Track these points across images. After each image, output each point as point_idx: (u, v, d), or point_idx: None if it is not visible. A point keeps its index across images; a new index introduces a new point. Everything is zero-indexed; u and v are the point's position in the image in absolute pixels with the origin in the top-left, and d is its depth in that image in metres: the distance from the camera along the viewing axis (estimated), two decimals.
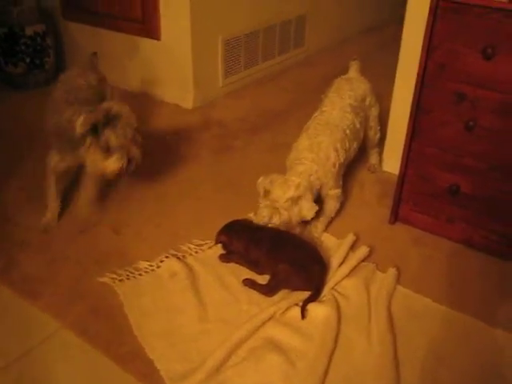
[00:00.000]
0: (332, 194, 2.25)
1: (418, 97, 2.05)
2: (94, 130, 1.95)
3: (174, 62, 3.21)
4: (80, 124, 1.92)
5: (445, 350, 1.73)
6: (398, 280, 1.99)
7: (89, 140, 1.97)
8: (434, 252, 2.16)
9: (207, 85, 3.33)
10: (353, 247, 2.13)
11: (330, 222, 2.29)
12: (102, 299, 1.89)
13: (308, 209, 2.07)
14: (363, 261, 2.07)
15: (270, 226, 2.07)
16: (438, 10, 1.91)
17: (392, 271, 2.01)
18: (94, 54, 2.50)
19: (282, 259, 1.92)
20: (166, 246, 2.12)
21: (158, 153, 2.79)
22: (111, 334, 1.75)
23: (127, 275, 1.99)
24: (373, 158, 2.68)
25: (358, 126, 2.35)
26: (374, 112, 2.54)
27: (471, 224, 2.14)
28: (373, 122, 2.56)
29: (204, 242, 2.15)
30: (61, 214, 2.30)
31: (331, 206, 2.27)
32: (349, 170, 2.63)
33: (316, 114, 2.36)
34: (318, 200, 2.20)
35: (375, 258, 2.09)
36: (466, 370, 1.67)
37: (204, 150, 2.84)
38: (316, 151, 2.17)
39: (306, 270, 1.90)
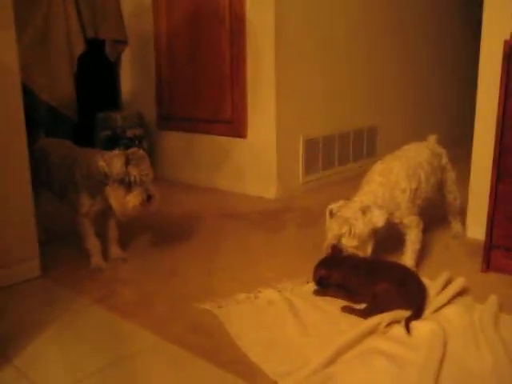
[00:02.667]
0: (407, 222, 2.24)
1: (501, 138, 2.17)
2: None
3: (258, 159, 3.49)
4: (120, 164, 2.18)
5: None
6: (501, 310, 1.93)
7: (113, 179, 2.21)
8: None
9: (289, 180, 3.55)
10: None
11: (418, 257, 2.27)
12: (200, 320, 1.92)
13: (377, 215, 2.09)
14: (460, 295, 2.03)
15: (355, 252, 2.10)
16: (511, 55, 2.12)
17: (493, 298, 1.95)
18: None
19: (381, 279, 1.92)
20: (259, 287, 2.15)
21: (247, 225, 2.96)
22: (211, 344, 1.76)
23: (226, 304, 2.02)
24: (456, 226, 2.71)
25: (435, 163, 2.43)
26: (451, 176, 2.60)
27: None
28: (451, 187, 2.61)
29: (297, 282, 2.18)
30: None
31: (411, 235, 2.26)
32: (432, 235, 2.68)
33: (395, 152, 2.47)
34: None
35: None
36: None
37: (290, 225, 2.97)
38: (386, 175, 2.23)
39: (405, 287, 1.89)
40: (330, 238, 2.12)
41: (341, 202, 2.19)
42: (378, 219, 2.10)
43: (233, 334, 1.81)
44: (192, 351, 1.72)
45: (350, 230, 2.06)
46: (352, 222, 2.07)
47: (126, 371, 1.63)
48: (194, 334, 1.82)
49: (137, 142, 3.67)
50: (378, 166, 2.31)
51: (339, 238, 2.10)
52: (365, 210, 2.09)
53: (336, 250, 2.11)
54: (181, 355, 1.71)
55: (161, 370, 1.64)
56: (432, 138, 2.68)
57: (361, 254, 2.12)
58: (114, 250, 2.50)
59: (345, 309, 1.94)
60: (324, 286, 2.09)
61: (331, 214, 2.17)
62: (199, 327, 1.86)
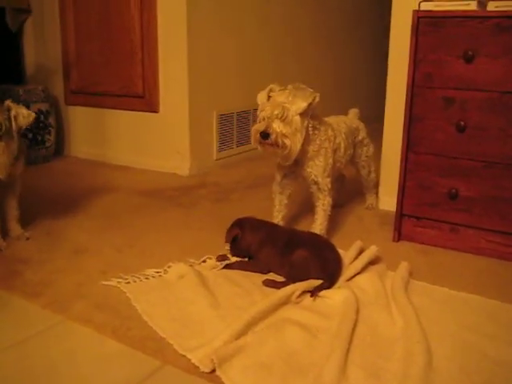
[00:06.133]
0: (323, 184, 2.18)
1: (410, 107, 2.19)
2: None
3: (171, 134, 3.38)
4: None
5: (471, 320, 1.68)
6: (411, 276, 1.96)
7: None
8: (442, 259, 2.15)
9: (202, 156, 3.47)
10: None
11: (328, 224, 2.25)
12: (106, 297, 1.81)
13: (302, 95, 2.01)
14: (373, 263, 2.04)
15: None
16: (419, 25, 2.13)
17: (404, 265, 1.97)
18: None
19: (298, 248, 1.88)
20: (170, 262, 2.06)
21: (159, 202, 2.85)
22: (118, 321, 1.65)
23: (134, 280, 1.92)
24: (370, 199, 2.75)
25: (350, 140, 2.40)
26: (365, 152, 2.60)
27: (475, 229, 2.16)
28: (365, 162, 2.62)
29: (208, 257, 2.10)
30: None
31: (324, 200, 2.20)
32: (346, 208, 2.71)
33: None
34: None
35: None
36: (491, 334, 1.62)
37: (203, 200, 2.89)
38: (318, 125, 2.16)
39: (321, 255, 1.86)
40: (261, 120, 2.02)
41: (272, 87, 2.09)
42: (302, 103, 2.00)
43: (140, 310, 1.71)
44: (98, 329, 1.61)
45: (284, 113, 1.97)
46: (286, 105, 1.98)
47: (26, 353, 1.50)
48: (100, 312, 1.70)
49: (42, 117, 3.45)
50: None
51: (270, 122, 2.00)
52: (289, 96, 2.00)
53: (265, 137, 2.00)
54: (86, 334, 1.60)
55: (65, 350, 1.52)
56: (352, 112, 2.67)
57: (288, 144, 2.01)
58: (14, 228, 2.33)
59: (267, 282, 1.89)
60: (235, 249, 2.04)
61: (269, 95, 2.06)
62: (106, 305, 1.75)
